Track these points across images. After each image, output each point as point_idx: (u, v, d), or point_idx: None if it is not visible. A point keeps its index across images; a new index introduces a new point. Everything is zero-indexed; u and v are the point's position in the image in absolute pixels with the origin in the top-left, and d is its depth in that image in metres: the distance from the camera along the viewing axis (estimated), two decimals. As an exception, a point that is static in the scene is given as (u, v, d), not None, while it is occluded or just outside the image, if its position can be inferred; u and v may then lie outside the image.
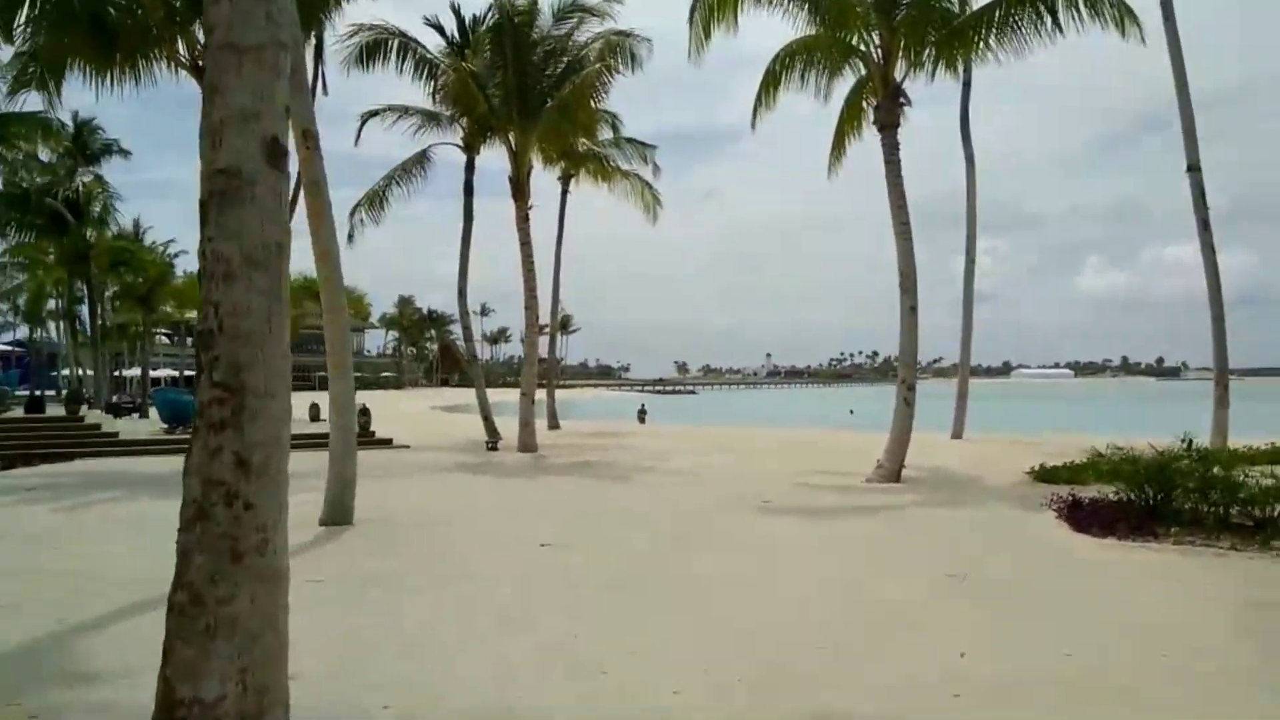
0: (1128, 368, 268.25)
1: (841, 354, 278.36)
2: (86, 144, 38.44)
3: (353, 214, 23.68)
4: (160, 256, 48.41)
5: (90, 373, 39.40)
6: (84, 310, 36.30)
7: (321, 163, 10.80)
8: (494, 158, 22.11)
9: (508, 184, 21.59)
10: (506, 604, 6.52)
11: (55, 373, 48.00)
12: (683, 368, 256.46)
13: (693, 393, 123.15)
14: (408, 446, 21.56)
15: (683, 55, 15.09)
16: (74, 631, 5.79)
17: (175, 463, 18.29)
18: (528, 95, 20.54)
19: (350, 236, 23.60)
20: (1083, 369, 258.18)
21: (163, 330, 57.52)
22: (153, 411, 29.25)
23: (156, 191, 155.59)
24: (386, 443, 21.81)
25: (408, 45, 20.72)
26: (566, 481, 14.83)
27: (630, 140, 27.73)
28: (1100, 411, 52.97)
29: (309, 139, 10.58)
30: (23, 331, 56.51)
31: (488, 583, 7.23)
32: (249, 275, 3.16)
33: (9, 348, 45.78)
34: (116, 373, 52.08)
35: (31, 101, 20.83)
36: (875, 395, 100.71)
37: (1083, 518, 9.89)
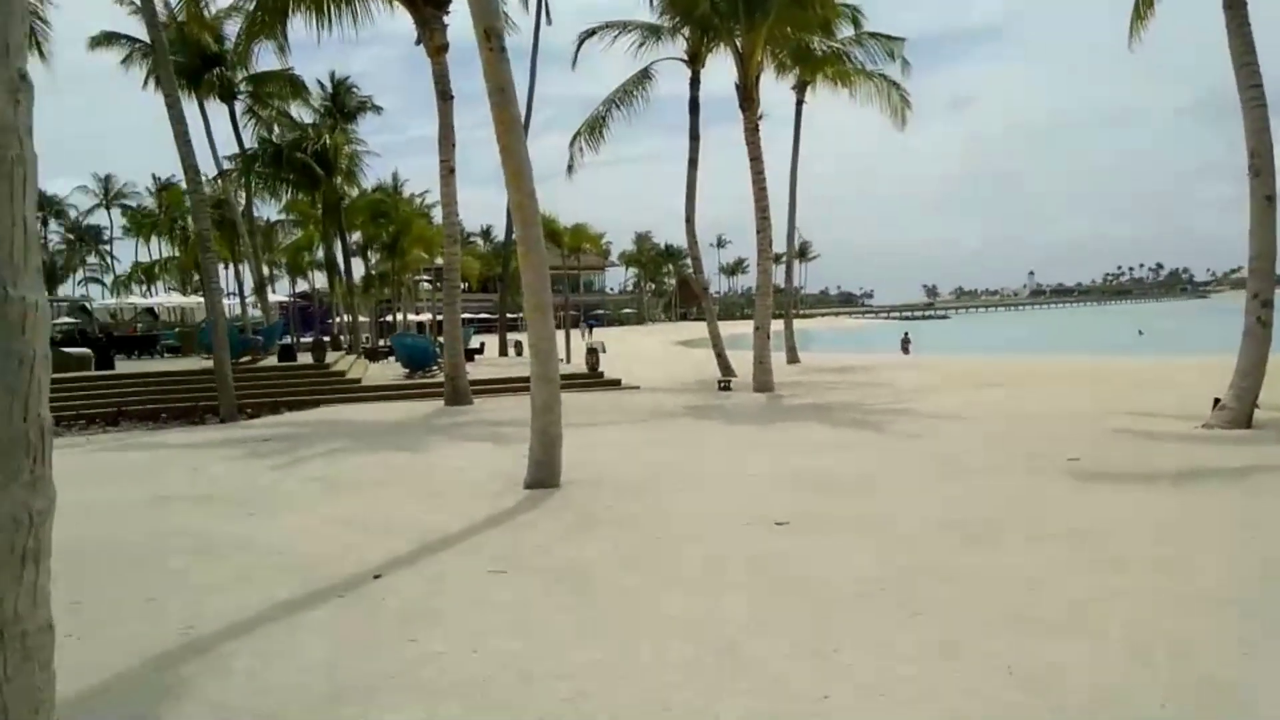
0: None
1: (1119, 268, 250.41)
2: (343, 102, 40.45)
3: (573, 143, 22.60)
4: (417, 207, 50.75)
5: (359, 320, 41.94)
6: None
7: (508, 67, 9.20)
8: (723, 86, 19.87)
9: (738, 110, 19.36)
10: (725, 625, 4.69)
11: (330, 321, 51.82)
12: (932, 291, 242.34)
13: (944, 318, 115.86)
14: (637, 388, 20.32)
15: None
16: (193, 652, 4.64)
17: (405, 409, 17.86)
18: (754, -14, 18.16)
19: (570, 167, 22.70)
20: None
21: (425, 277, 60.64)
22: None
23: (415, 148, 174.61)
24: (615, 384, 20.69)
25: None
26: (807, 430, 12.75)
27: (874, 35, 24.49)
28: None
29: (492, 38, 8.99)
30: (284, 285, 61.90)
31: (703, 585, 5.45)
32: None
33: (286, 299, 49.82)
34: (382, 319, 55.78)
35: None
36: (1165, 313, 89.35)
37: None
